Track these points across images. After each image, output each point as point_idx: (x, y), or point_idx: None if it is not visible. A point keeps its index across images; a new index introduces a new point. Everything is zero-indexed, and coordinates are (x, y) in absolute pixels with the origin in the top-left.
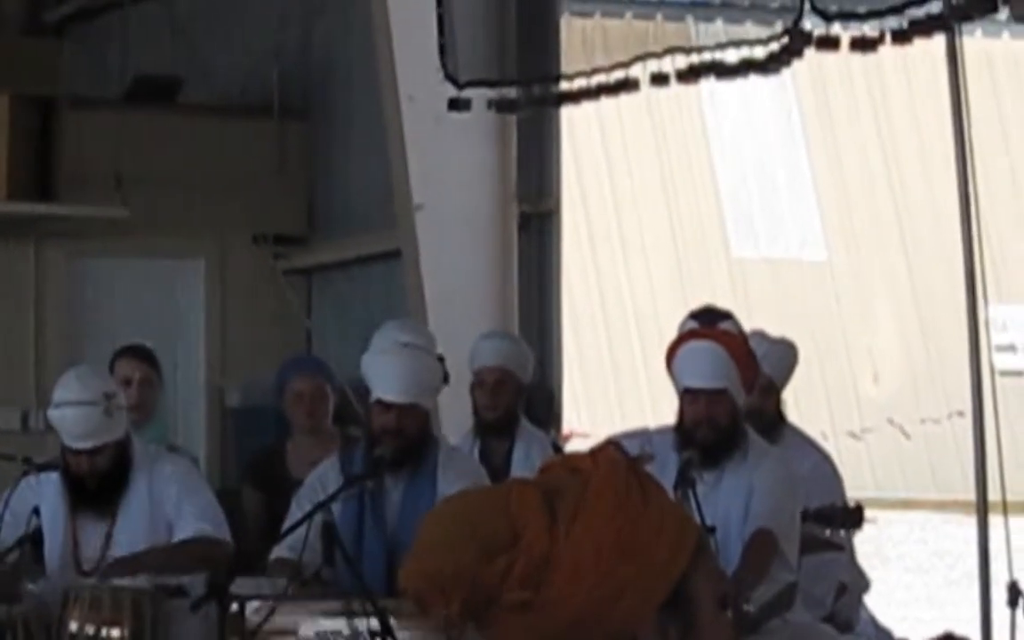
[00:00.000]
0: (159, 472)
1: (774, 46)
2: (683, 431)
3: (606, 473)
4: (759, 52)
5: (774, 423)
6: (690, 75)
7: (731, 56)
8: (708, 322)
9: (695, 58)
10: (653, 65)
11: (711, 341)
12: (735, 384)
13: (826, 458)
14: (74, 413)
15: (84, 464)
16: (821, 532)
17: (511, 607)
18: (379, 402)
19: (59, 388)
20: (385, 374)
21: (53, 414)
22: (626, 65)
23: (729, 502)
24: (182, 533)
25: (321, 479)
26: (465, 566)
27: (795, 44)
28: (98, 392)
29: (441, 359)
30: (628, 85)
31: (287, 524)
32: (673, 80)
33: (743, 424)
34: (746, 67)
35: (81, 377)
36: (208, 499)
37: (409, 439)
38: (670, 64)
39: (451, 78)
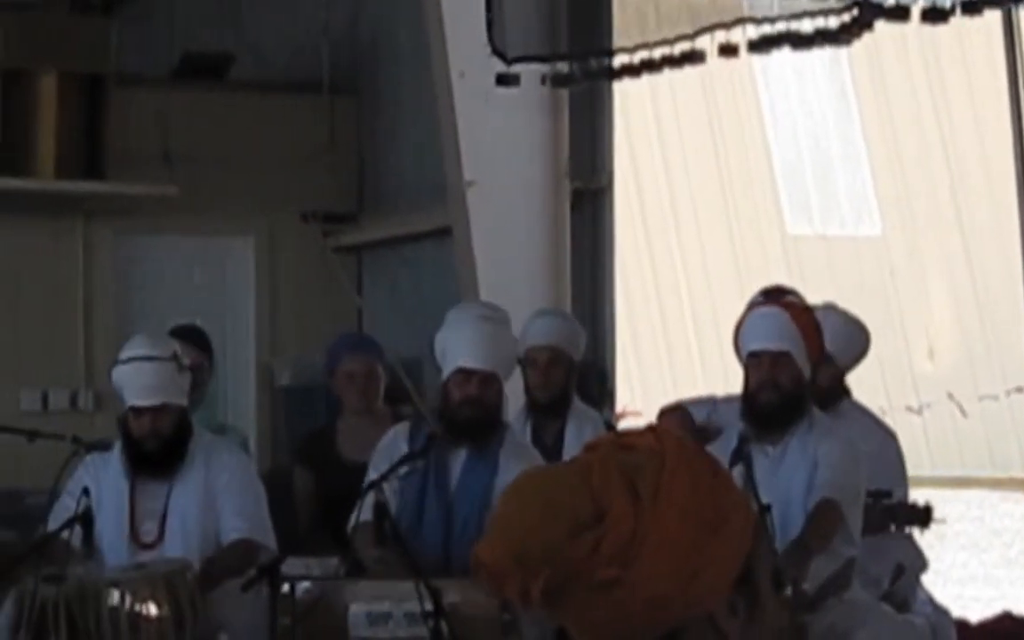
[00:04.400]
0: (216, 458)
1: (846, 17)
2: (747, 399)
3: (676, 448)
4: (832, 22)
5: (833, 397)
6: (762, 45)
7: (807, 26)
8: (776, 298)
9: (768, 28)
10: (720, 36)
11: (776, 306)
12: (800, 350)
13: (892, 438)
14: (143, 367)
15: (147, 424)
16: (886, 524)
17: (599, 585)
18: (460, 370)
19: (126, 348)
20: (466, 343)
21: (121, 371)
22: (691, 36)
23: (792, 475)
24: (226, 531)
25: (390, 450)
26: (553, 542)
27: (866, 16)
28: (168, 350)
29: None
30: (694, 57)
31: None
32: (744, 50)
33: (808, 396)
34: (821, 37)
35: (150, 336)
36: (256, 497)
37: (487, 409)
38: (740, 35)
39: (499, 53)
